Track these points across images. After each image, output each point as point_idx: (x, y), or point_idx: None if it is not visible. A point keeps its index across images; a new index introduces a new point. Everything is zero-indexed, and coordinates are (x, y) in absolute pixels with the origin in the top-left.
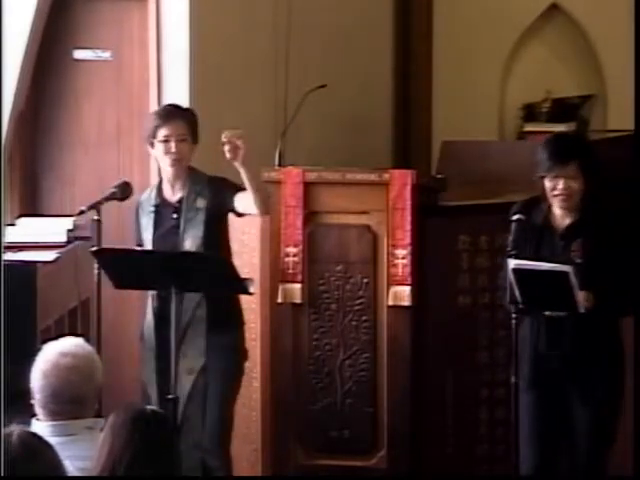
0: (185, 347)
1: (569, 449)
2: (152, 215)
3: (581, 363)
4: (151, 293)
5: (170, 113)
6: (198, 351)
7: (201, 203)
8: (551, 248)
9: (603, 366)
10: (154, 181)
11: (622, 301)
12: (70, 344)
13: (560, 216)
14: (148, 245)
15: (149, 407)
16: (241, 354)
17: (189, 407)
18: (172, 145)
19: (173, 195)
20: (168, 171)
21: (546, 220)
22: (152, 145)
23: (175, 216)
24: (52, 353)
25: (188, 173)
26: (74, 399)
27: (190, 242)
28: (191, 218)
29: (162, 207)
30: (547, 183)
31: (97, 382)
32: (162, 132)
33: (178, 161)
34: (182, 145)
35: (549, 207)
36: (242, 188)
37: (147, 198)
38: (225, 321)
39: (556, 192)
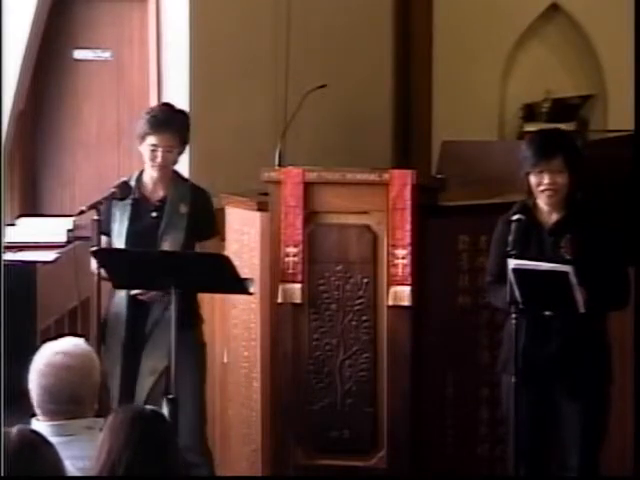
0: (150, 347)
1: (559, 446)
2: (129, 208)
3: (569, 361)
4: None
5: (160, 123)
6: (163, 351)
7: (184, 209)
8: (539, 245)
9: (591, 363)
10: None
11: (614, 296)
12: (66, 343)
13: (547, 213)
14: (120, 237)
15: (148, 407)
16: (204, 348)
17: None
18: (158, 155)
19: (154, 193)
20: (151, 169)
21: (533, 217)
22: (140, 144)
23: (155, 215)
24: (48, 352)
25: (172, 175)
26: (69, 399)
27: (169, 244)
28: (173, 222)
29: (141, 202)
30: (532, 179)
31: (93, 381)
32: (150, 140)
33: (162, 168)
34: (168, 155)
35: (534, 204)
36: (212, 234)
37: None
38: (189, 319)
39: (542, 187)
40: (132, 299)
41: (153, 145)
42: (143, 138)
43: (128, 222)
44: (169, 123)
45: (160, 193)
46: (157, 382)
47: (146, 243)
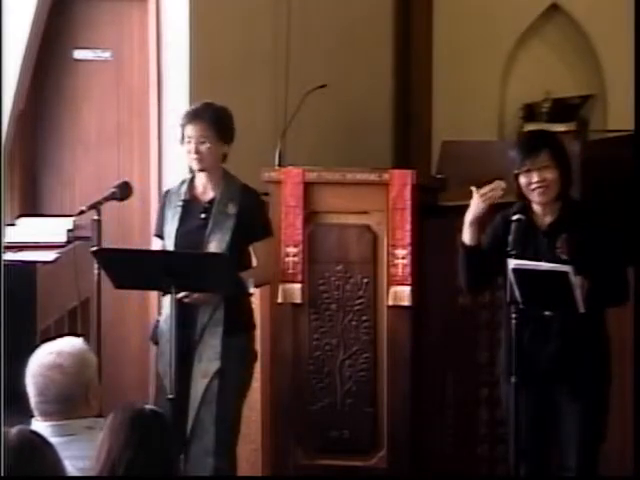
0: (200, 350)
1: (558, 446)
2: (179, 209)
3: (568, 361)
4: None
5: (194, 114)
6: (214, 354)
7: (232, 209)
8: (535, 247)
9: (590, 363)
10: (154, 181)
11: (612, 293)
12: (61, 343)
13: (541, 215)
14: (169, 238)
15: (148, 407)
16: (253, 356)
17: (202, 411)
18: (192, 147)
19: (204, 194)
20: (193, 166)
21: (528, 219)
22: (182, 143)
23: (203, 216)
24: (42, 352)
25: (221, 176)
26: (59, 398)
27: (215, 245)
28: (220, 222)
29: (191, 204)
30: (522, 179)
31: (85, 381)
32: (186, 132)
33: (199, 161)
34: (202, 147)
35: (529, 206)
36: (263, 235)
37: (176, 191)
38: (240, 323)
39: (533, 186)
40: (178, 302)
41: (188, 137)
42: (182, 135)
43: (178, 223)
44: (201, 114)
45: (210, 194)
46: (210, 384)
47: (194, 244)
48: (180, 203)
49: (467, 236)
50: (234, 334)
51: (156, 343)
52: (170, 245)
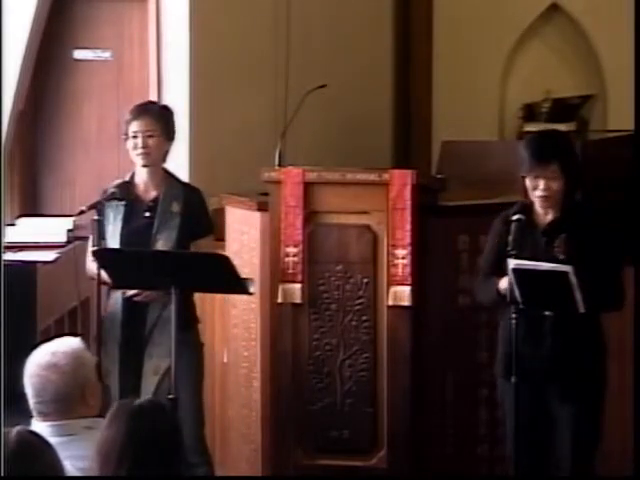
0: (151, 347)
1: (553, 447)
2: (122, 209)
3: (562, 362)
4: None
5: (139, 109)
6: (164, 351)
7: (176, 207)
8: (533, 245)
9: (584, 365)
10: None
11: (607, 297)
12: (58, 343)
13: (542, 214)
14: (114, 237)
15: (147, 398)
16: (202, 349)
17: None
18: (139, 141)
19: (146, 193)
20: (142, 170)
21: (529, 218)
22: (126, 140)
23: (148, 214)
24: (39, 353)
25: (163, 175)
26: (55, 397)
27: (162, 243)
28: (166, 221)
29: (134, 203)
30: (528, 183)
31: (82, 380)
32: (131, 128)
33: (145, 155)
34: (149, 140)
35: (530, 204)
36: (206, 232)
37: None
38: (187, 319)
39: (538, 193)
40: (127, 300)
41: (134, 132)
42: (127, 133)
43: (122, 223)
44: (147, 109)
45: (152, 193)
46: (161, 381)
47: (140, 243)
48: (123, 203)
49: (503, 291)
50: (184, 329)
51: (102, 341)
52: (115, 245)
